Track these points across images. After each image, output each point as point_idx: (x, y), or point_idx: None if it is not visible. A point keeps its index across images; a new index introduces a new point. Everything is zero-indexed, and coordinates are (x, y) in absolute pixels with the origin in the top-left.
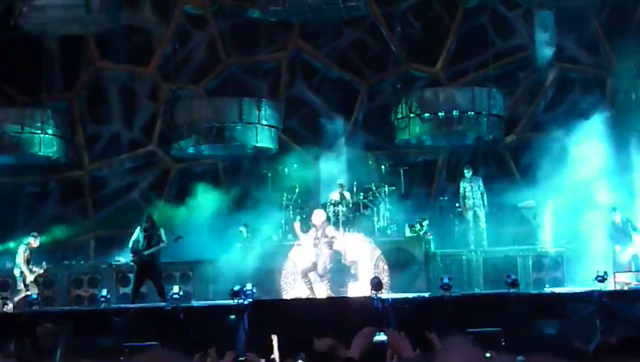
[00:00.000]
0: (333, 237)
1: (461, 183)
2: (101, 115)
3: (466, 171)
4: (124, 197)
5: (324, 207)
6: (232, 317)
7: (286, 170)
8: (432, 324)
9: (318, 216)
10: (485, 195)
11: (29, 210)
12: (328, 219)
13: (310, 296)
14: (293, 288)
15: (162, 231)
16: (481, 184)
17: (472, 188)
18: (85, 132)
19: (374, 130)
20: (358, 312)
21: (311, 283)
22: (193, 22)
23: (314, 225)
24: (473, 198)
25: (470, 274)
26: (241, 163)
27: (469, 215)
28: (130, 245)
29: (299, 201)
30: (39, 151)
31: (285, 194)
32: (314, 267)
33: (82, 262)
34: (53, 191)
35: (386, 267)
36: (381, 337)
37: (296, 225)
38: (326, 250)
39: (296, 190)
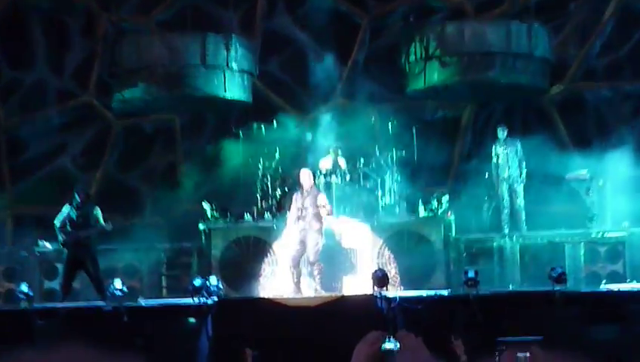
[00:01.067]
0: (324, 208)
1: (493, 148)
2: (20, 56)
3: (499, 131)
4: (51, 163)
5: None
6: (192, 320)
7: (263, 128)
8: (453, 331)
9: (307, 176)
10: (524, 163)
11: None
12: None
13: (295, 294)
14: (272, 283)
15: (99, 212)
16: (519, 148)
17: (507, 154)
18: (1, 79)
19: (379, 77)
20: (357, 315)
21: (299, 276)
22: None
23: (300, 190)
24: (509, 167)
25: (503, 265)
26: (204, 119)
27: (503, 189)
28: (58, 224)
29: (279, 170)
30: None
31: (262, 161)
32: (303, 250)
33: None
34: None
35: (392, 256)
36: (391, 344)
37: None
38: (316, 223)
39: (276, 156)
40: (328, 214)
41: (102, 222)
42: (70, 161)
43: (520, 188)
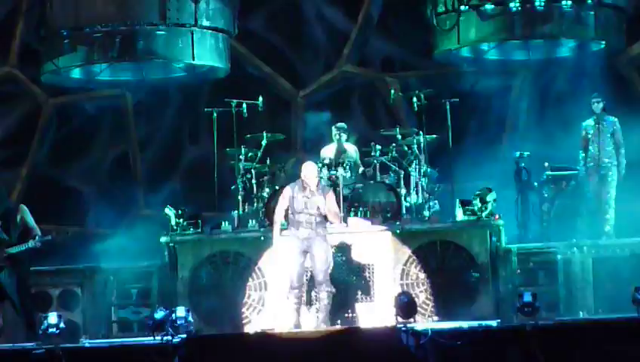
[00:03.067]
0: (335, 214)
1: (584, 124)
2: None
3: (594, 104)
4: None
5: None
6: None
7: (244, 106)
8: None
9: (313, 171)
10: (623, 150)
11: None
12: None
13: (293, 327)
14: (259, 314)
15: (27, 214)
16: (617, 128)
17: (599, 134)
18: None
19: (399, 36)
20: (375, 354)
21: (300, 302)
22: None
23: (299, 186)
24: (603, 150)
25: (570, 285)
26: (165, 96)
27: (594, 181)
28: None
29: (267, 162)
30: None
31: (244, 150)
32: (301, 269)
33: None
34: None
35: (422, 275)
36: None
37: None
38: (323, 231)
39: (263, 141)
40: (340, 222)
41: (37, 230)
42: None
43: (614, 180)
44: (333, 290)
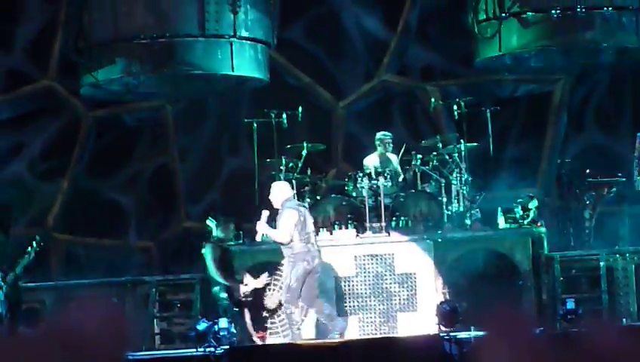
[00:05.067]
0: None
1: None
2: None
3: None
4: (1, 171)
5: (353, 179)
6: None
7: (284, 116)
8: None
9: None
10: None
11: None
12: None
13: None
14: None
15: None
16: None
17: None
18: None
19: (439, 43)
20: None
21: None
22: None
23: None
24: None
25: (613, 292)
26: (204, 106)
27: None
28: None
29: (307, 172)
30: None
31: (284, 160)
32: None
33: None
34: None
35: (464, 283)
36: None
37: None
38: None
39: (303, 152)
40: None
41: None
42: (26, 166)
43: None
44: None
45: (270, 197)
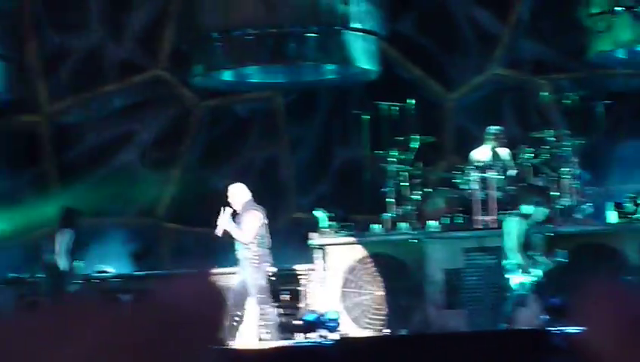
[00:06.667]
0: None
1: None
2: (69, 17)
3: None
4: (112, 160)
5: (463, 172)
6: None
7: (395, 109)
8: None
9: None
10: None
11: None
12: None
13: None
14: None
15: None
16: None
17: None
18: (43, 47)
19: (551, 37)
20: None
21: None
22: None
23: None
24: None
25: None
26: (315, 97)
27: None
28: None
29: (419, 164)
30: None
31: (394, 152)
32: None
33: (35, 276)
34: None
35: (574, 277)
36: None
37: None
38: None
39: (414, 144)
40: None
41: None
42: (138, 155)
43: None
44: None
45: (230, 199)
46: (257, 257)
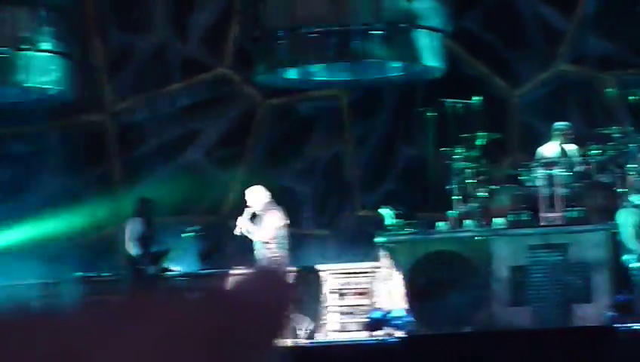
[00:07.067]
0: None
1: None
2: (133, 16)
3: None
4: (176, 158)
5: (528, 169)
6: None
7: (460, 105)
8: None
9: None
10: None
11: (11, 182)
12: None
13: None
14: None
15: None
16: None
17: None
18: (108, 47)
19: (616, 33)
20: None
21: None
22: None
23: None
24: None
25: None
26: (379, 96)
27: None
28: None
29: (482, 161)
30: (27, 81)
31: (459, 149)
32: None
33: (105, 275)
34: (53, 149)
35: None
36: None
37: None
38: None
39: (479, 141)
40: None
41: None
42: (203, 154)
43: None
44: None
45: (250, 201)
46: (276, 258)
